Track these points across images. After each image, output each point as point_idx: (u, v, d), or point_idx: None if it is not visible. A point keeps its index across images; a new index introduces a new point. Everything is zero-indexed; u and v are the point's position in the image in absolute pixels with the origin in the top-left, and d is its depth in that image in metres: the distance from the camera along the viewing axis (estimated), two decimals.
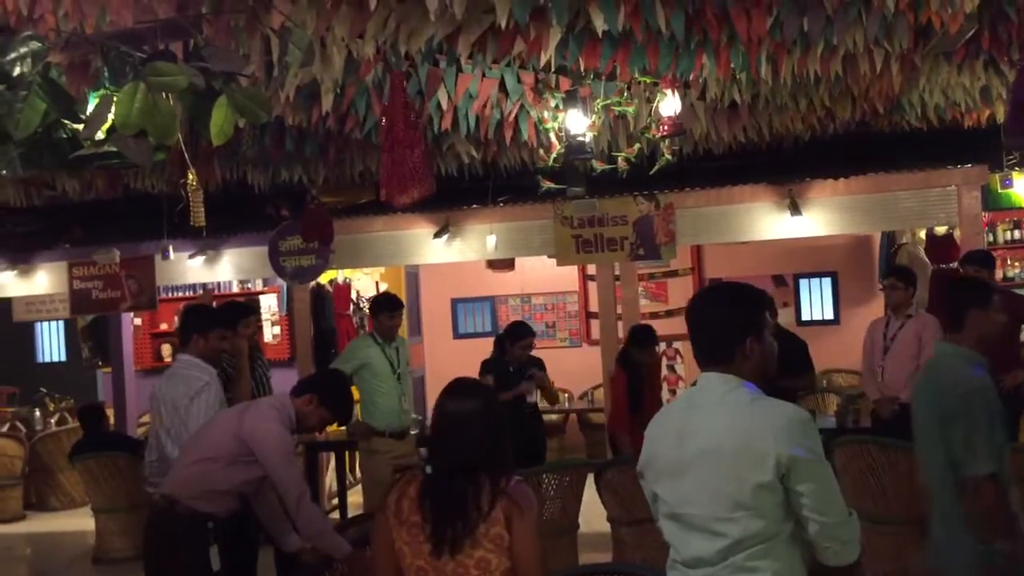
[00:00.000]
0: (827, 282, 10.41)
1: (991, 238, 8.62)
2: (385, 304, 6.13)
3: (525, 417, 6.43)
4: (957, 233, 7.57)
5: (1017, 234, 8.98)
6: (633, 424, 6.21)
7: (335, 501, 7.90)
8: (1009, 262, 8.76)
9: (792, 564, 2.24)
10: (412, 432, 6.47)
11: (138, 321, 9.83)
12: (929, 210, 7.25)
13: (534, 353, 6.78)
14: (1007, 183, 7.27)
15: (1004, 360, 5.83)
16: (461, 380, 2.73)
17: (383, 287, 9.97)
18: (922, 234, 8.22)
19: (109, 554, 7.23)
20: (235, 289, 9.76)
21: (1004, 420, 5.74)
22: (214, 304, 7.94)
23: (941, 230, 7.81)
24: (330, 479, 8.15)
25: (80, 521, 8.39)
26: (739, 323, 2.36)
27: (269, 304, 9.47)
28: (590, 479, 5.78)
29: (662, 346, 8.06)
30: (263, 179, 7.33)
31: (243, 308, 5.68)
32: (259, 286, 9.68)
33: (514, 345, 6.51)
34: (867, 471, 5.24)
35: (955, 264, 7.62)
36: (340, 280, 9.35)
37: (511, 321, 7.58)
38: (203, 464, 3.73)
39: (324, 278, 8.85)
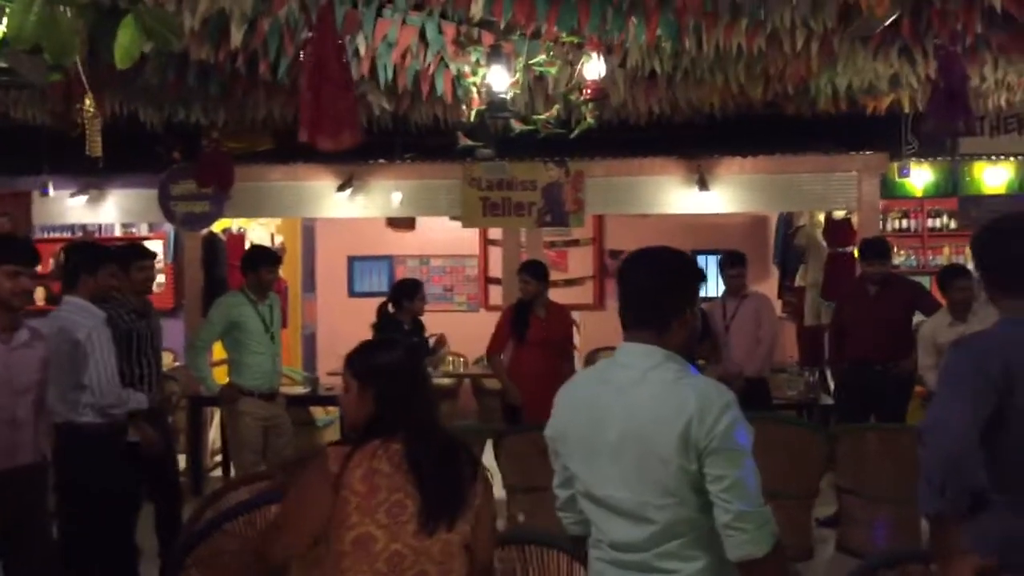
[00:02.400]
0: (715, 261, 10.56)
1: (882, 225, 8.87)
2: (264, 258, 5.76)
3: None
4: (855, 218, 7.76)
5: (906, 223, 9.29)
6: (517, 356, 6.14)
7: (218, 458, 7.62)
8: (897, 250, 9.04)
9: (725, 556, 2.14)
10: (304, 388, 6.23)
11: None
12: (830, 194, 7.41)
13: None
14: (904, 172, 7.49)
15: (897, 346, 6.03)
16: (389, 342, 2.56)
17: (279, 240, 9.63)
18: (820, 217, 8.40)
19: None
20: (118, 233, 9.23)
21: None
22: None
23: (840, 214, 8.00)
24: (214, 435, 7.85)
25: None
26: (682, 292, 2.26)
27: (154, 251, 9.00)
28: (488, 445, 5.71)
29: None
30: (156, 117, 6.90)
31: (139, 248, 5.27)
32: (144, 231, 9.20)
33: (413, 301, 6.34)
34: (764, 447, 5.30)
35: (851, 248, 7.84)
36: (234, 230, 8.97)
37: (399, 280, 7.35)
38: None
39: (217, 227, 8.47)
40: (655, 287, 2.25)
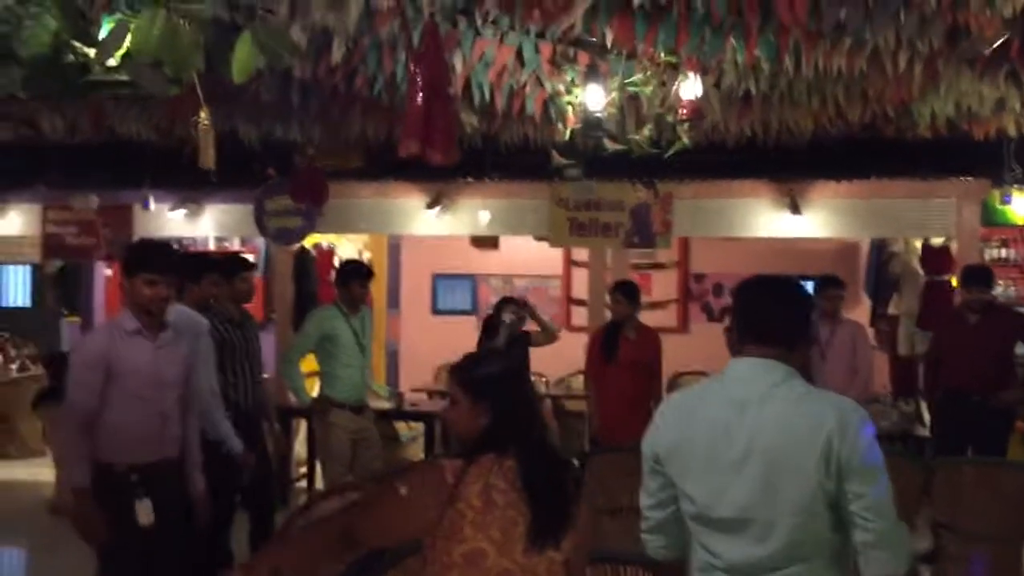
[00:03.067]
0: (810, 286, 10.36)
1: (980, 254, 8.61)
2: (357, 272, 5.86)
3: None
4: (953, 246, 7.54)
5: (1004, 252, 8.99)
6: (604, 376, 6.11)
7: (303, 469, 7.74)
8: (995, 280, 8.75)
9: (845, 560, 2.12)
10: (389, 404, 6.29)
11: (110, 272, 9.56)
12: (928, 220, 7.21)
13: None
14: (1007, 199, 7.24)
15: (998, 377, 5.83)
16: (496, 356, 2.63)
17: (366, 256, 9.78)
18: (917, 244, 8.19)
19: (67, 505, 6.99)
20: (212, 247, 9.51)
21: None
22: None
23: (937, 241, 7.78)
24: (298, 448, 7.97)
25: (37, 471, 8.15)
26: (806, 315, 2.29)
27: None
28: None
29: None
30: (254, 134, 7.09)
31: (242, 260, 5.42)
32: (237, 245, 9.45)
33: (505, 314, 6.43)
34: None
35: (948, 276, 7.61)
36: (324, 245, 9.15)
37: (499, 299, 7.39)
38: None
39: (307, 242, 8.65)
40: (784, 308, 2.25)
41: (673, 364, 9.34)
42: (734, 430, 2.13)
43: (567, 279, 10.66)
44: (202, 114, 3.07)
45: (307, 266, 8.52)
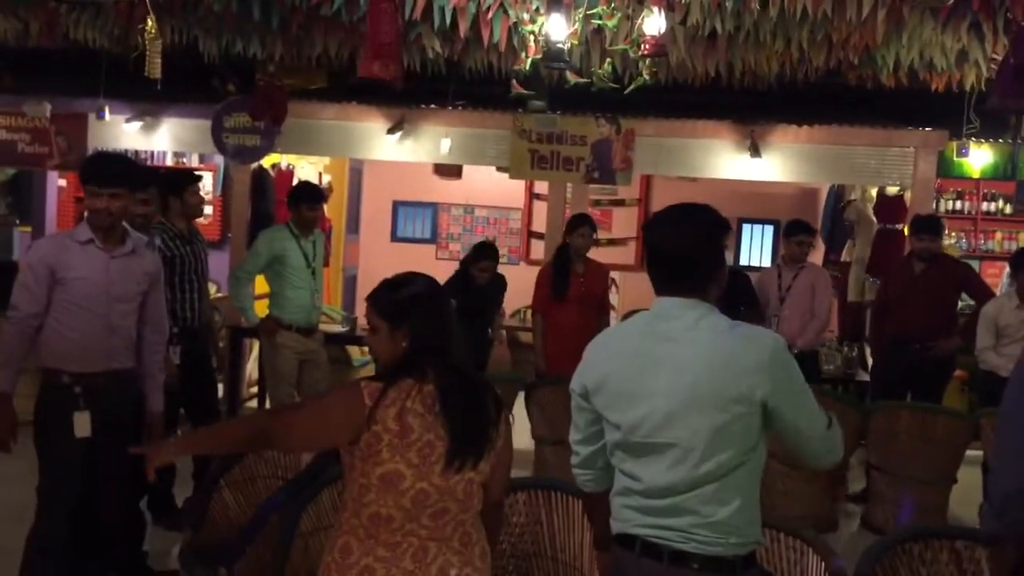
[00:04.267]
0: (769, 229, 10.48)
1: (934, 205, 8.72)
2: (307, 195, 5.72)
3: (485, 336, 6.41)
4: (907, 195, 7.63)
5: (959, 204, 9.11)
6: (553, 311, 6.11)
7: (254, 390, 7.76)
8: (948, 232, 8.88)
9: (755, 492, 2.21)
10: (342, 327, 6.25)
11: (63, 182, 9.38)
12: (885, 169, 7.27)
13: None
14: (963, 152, 7.33)
15: (939, 326, 5.96)
16: (429, 280, 2.42)
17: (326, 179, 9.69)
18: (872, 192, 8.26)
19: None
20: (169, 162, 9.36)
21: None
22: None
23: (893, 190, 7.86)
24: (251, 367, 7.98)
25: None
26: (716, 248, 2.27)
27: (204, 183, 9.10)
28: (520, 396, 5.76)
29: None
30: (214, 48, 6.94)
31: (192, 173, 5.32)
32: (195, 162, 9.30)
33: (479, 262, 6.40)
34: None
35: (901, 225, 7.71)
36: (283, 166, 9.03)
37: (479, 242, 7.14)
38: None
39: (266, 162, 8.54)
40: (689, 246, 2.24)
41: (629, 302, 9.44)
42: (659, 362, 2.18)
43: (528, 211, 10.66)
44: (149, 22, 2.98)
45: (265, 186, 8.42)
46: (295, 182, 8.78)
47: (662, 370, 2.17)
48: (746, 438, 2.15)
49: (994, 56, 5.50)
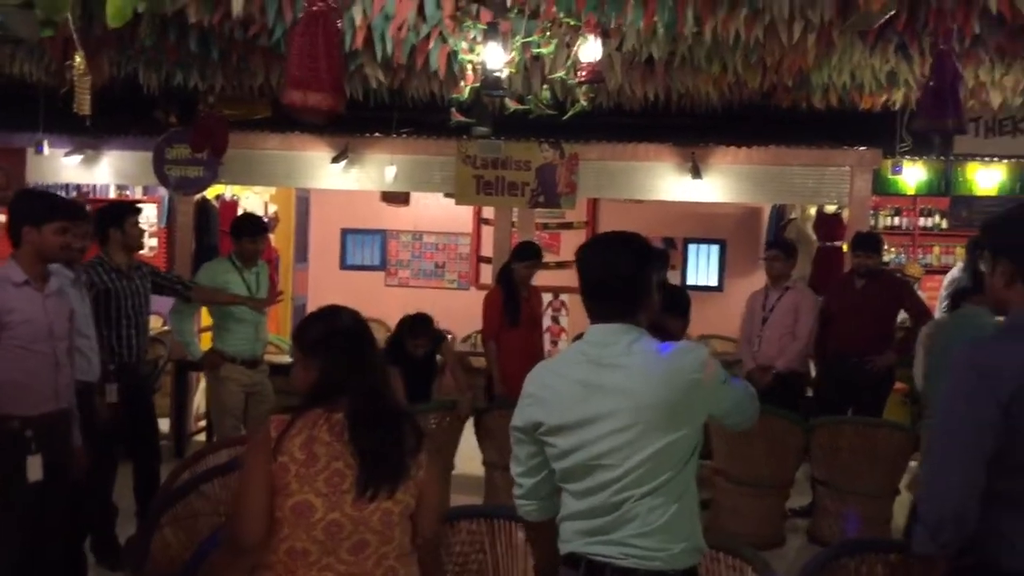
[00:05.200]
0: (715, 249, 10.62)
1: (873, 222, 8.92)
2: (247, 228, 5.69)
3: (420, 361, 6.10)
4: (845, 213, 7.79)
5: (897, 220, 9.33)
6: (508, 337, 6.10)
7: (203, 423, 7.66)
8: (887, 247, 9.08)
9: (692, 497, 2.31)
10: (291, 357, 6.20)
11: (2, 218, 9.21)
12: (823, 188, 7.44)
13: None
14: (896, 170, 7.51)
15: (878, 340, 6.07)
16: (352, 314, 2.46)
17: (272, 209, 9.64)
18: (812, 211, 8.43)
19: None
20: (112, 195, 9.24)
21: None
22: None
23: (830, 209, 8.02)
24: (199, 400, 7.89)
25: None
26: (644, 276, 2.33)
27: (148, 215, 9.01)
28: (469, 422, 5.77)
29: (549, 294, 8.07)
30: (154, 80, 6.89)
31: (132, 205, 5.26)
32: (138, 194, 9.20)
33: (417, 338, 5.87)
34: (740, 436, 5.36)
35: (840, 243, 7.87)
36: (227, 197, 8.97)
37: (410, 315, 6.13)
38: None
39: (210, 193, 8.48)
40: (620, 276, 2.31)
41: (580, 323, 9.51)
42: (600, 388, 2.24)
43: (477, 237, 10.69)
44: (77, 59, 2.96)
45: (209, 218, 8.35)
46: (240, 213, 8.75)
47: (605, 396, 2.23)
48: (685, 450, 2.25)
49: (922, 76, 5.66)
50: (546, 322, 8.47)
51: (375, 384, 2.34)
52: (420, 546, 2.41)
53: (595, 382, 2.25)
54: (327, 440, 2.24)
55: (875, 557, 2.88)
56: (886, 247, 9.07)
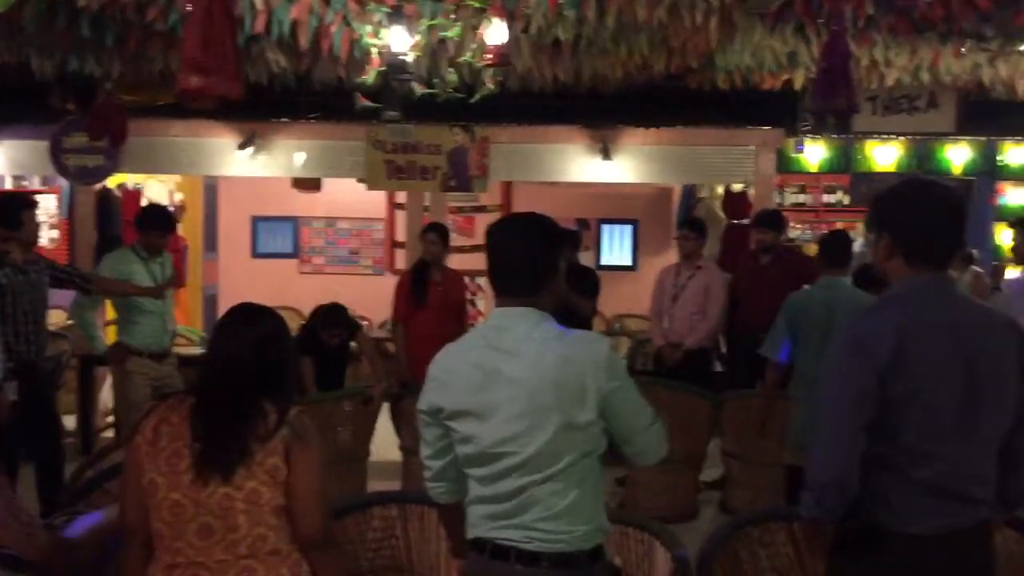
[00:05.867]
0: (628, 229, 10.76)
1: (779, 199, 9.12)
2: (156, 222, 5.52)
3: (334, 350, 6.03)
4: (752, 191, 7.97)
5: (802, 198, 9.56)
6: (413, 319, 6.06)
7: (110, 419, 7.46)
8: (793, 224, 9.31)
9: (596, 484, 2.30)
10: (202, 349, 6.06)
11: None
12: (729, 167, 7.59)
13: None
14: (799, 148, 7.71)
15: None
16: (246, 305, 2.52)
17: (178, 197, 9.40)
18: (720, 190, 8.59)
19: None
20: (8, 186, 8.90)
21: None
22: None
23: (737, 187, 8.19)
24: (106, 395, 7.67)
25: None
26: (549, 257, 2.34)
27: (47, 206, 8.71)
28: (385, 407, 5.74)
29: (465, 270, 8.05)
30: (49, 67, 6.65)
31: (28, 197, 5.04)
32: (37, 184, 8.87)
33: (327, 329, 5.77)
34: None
35: (747, 220, 8.04)
36: (130, 186, 8.72)
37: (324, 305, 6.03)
38: None
39: (112, 182, 8.23)
40: (523, 255, 2.31)
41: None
42: (499, 375, 2.24)
43: (391, 222, 10.61)
44: None
45: (111, 208, 8.11)
46: (144, 202, 8.52)
47: (502, 384, 2.23)
48: (587, 439, 2.23)
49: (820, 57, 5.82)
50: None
51: (229, 374, 2.37)
52: (306, 546, 2.36)
53: (492, 368, 2.25)
54: (174, 422, 2.33)
55: (776, 525, 2.97)
56: (792, 224, 9.30)
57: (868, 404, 2.22)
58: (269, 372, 2.39)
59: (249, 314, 2.47)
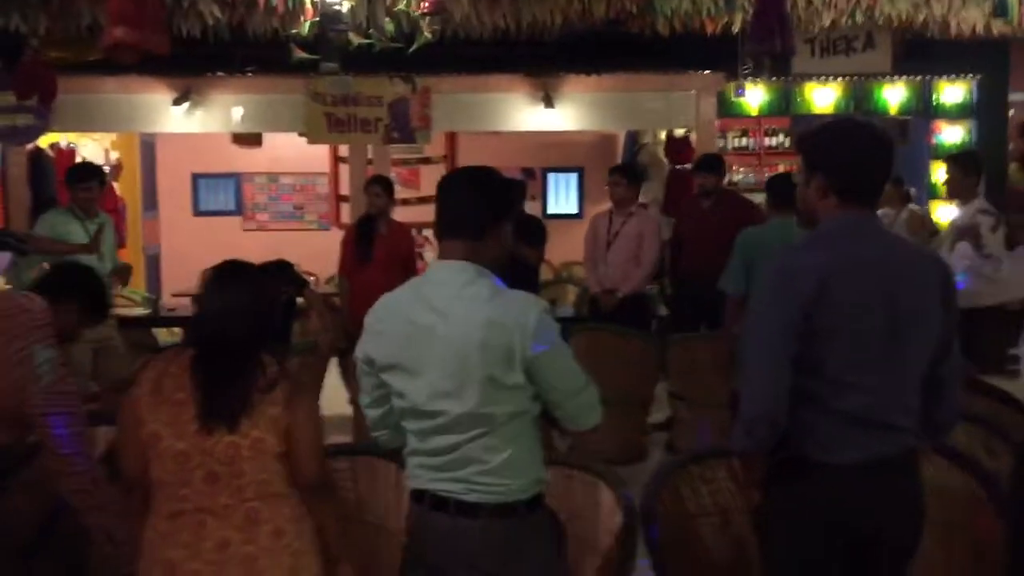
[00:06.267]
0: (573, 177, 10.77)
1: (722, 143, 9.19)
2: (76, 174, 5.48)
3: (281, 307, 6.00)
4: (693, 136, 8.01)
5: (745, 141, 9.63)
6: (359, 273, 6.03)
7: None
8: (735, 167, 9.40)
9: (532, 438, 2.30)
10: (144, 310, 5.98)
11: None
12: (671, 112, 7.62)
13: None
14: (740, 92, 7.75)
15: (725, 259, 6.30)
16: (233, 262, 2.60)
17: (114, 156, 9.19)
18: (663, 135, 8.62)
19: None
20: None
21: None
22: None
23: (679, 132, 8.23)
24: None
25: None
26: (494, 203, 2.33)
27: None
28: (334, 362, 5.74)
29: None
30: None
31: None
32: None
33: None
34: (599, 356, 5.53)
35: (690, 165, 8.10)
36: (63, 145, 8.50)
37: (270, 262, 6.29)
38: None
39: (44, 142, 8.01)
40: (467, 199, 2.32)
41: None
42: (429, 333, 2.23)
43: (334, 176, 10.49)
44: None
45: (44, 168, 7.91)
46: (78, 160, 8.32)
47: (432, 342, 2.22)
48: (517, 399, 2.23)
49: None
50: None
51: (227, 326, 2.40)
52: (304, 489, 2.45)
53: (423, 324, 2.24)
54: (175, 373, 2.37)
55: (717, 462, 3.05)
56: (735, 168, 9.39)
57: (792, 337, 2.27)
58: (264, 324, 2.46)
59: (239, 270, 2.55)
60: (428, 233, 9.29)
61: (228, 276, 2.53)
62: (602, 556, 2.79)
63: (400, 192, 9.76)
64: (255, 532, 2.34)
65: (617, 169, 6.59)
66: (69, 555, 3.05)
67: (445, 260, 2.30)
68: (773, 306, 2.31)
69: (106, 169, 7.30)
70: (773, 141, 9.62)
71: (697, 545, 2.95)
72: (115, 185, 8.74)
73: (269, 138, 10.03)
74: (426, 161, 10.34)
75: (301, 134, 8.04)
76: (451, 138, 10.25)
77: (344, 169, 10.13)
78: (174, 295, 8.24)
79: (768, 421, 2.31)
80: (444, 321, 2.22)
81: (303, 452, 2.43)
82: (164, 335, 7.59)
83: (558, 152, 10.36)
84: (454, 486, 2.26)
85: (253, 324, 2.45)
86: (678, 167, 8.27)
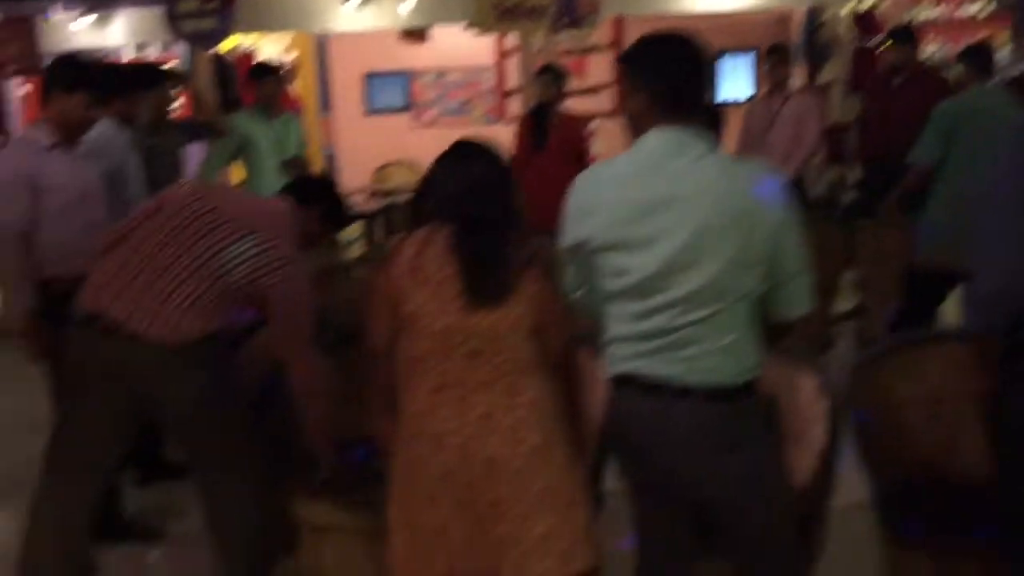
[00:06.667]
0: (746, 60, 10.28)
1: (910, 16, 8.50)
2: (259, 70, 5.73)
3: None
4: (882, 9, 7.45)
5: (936, 12, 8.89)
6: (532, 163, 5.97)
7: None
8: (928, 41, 8.71)
9: (755, 322, 2.22)
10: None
11: (29, 86, 9.12)
12: None
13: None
14: None
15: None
16: (468, 140, 2.51)
17: (291, 56, 9.44)
18: (843, 10, 8.06)
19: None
20: (132, 55, 9.09)
21: None
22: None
23: (866, 4, 7.67)
24: None
25: None
26: (708, 74, 2.20)
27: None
28: None
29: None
30: None
31: (158, 69, 5.09)
32: (157, 52, 9.03)
33: None
34: None
35: (875, 40, 7.57)
36: (244, 49, 8.79)
37: None
38: None
39: (224, 48, 8.30)
40: (685, 69, 2.18)
41: (608, 149, 9.36)
42: (666, 203, 2.12)
43: (500, 70, 10.43)
44: None
45: (227, 72, 8.22)
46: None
47: (668, 213, 2.11)
48: (752, 274, 2.13)
49: None
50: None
51: (479, 208, 2.38)
52: (555, 361, 2.47)
53: (656, 195, 2.12)
54: (437, 251, 2.35)
55: (927, 348, 2.89)
56: (927, 42, 8.70)
57: None
58: (512, 202, 2.44)
59: (479, 146, 2.48)
60: (595, 123, 9.13)
61: (471, 153, 2.46)
62: (806, 444, 2.71)
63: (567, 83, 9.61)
64: (514, 403, 2.37)
65: (772, 50, 6.35)
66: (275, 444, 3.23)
67: (669, 130, 2.16)
68: (1015, 171, 2.12)
69: (284, 69, 7.51)
70: (972, 7, 8.83)
71: (905, 433, 2.84)
72: (293, 86, 9.00)
73: (435, 33, 10.04)
74: (592, 50, 10.10)
75: (469, 24, 7.99)
76: (617, 24, 9.93)
77: (509, 63, 10.05)
78: (350, 193, 8.49)
79: (1009, 297, 2.15)
80: (682, 191, 2.11)
81: (554, 327, 2.44)
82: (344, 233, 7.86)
83: (731, 33, 9.85)
84: (673, 368, 2.18)
85: (506, 201, 2.43)
86: (864, 43, 7.73)
